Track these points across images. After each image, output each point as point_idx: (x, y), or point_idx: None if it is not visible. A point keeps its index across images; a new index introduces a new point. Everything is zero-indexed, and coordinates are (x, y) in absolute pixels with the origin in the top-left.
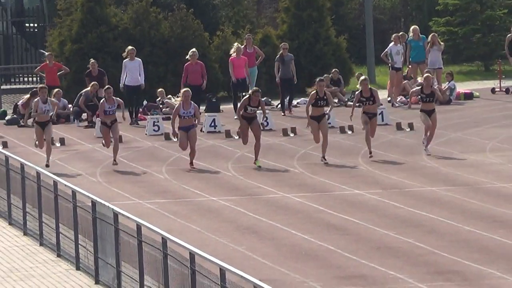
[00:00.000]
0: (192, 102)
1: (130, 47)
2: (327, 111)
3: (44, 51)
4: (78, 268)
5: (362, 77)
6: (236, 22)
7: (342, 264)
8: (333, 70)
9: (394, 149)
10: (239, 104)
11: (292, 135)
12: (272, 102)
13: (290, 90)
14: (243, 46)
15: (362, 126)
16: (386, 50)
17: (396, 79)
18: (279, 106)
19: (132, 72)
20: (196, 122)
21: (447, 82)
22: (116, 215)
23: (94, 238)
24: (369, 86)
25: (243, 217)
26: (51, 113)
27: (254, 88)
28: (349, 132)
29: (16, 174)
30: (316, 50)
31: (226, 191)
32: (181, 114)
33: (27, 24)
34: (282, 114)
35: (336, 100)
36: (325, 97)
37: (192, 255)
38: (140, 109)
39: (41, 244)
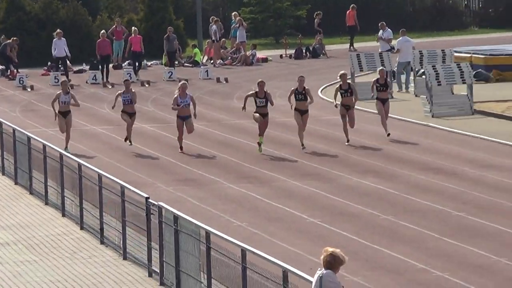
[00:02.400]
0: (188, 93)
1: (58, 30)
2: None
3: None
4: (31, 192)
5: (342, 72)
6: (110, 10)
7: (179, 171)
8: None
9: (215, 95)
10: (246, 95)
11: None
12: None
13: (173, 59)
14: (114, 26)
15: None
16: (210, 29)
17: (216, 48)
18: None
19: (60, 47)
20: (194, 113)
21: (251, 50)
22: (29, 138)
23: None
24: (348, 81)
25: (135, 148)
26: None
27: (259, 80)
28: (224, 82)
29: None
30: (162, 29)
31: (103, 122)
32: (179, 103)
33: None
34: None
35: (176, 62)
36: (303, 92)
37: (123, 187)
38: (45, 68)
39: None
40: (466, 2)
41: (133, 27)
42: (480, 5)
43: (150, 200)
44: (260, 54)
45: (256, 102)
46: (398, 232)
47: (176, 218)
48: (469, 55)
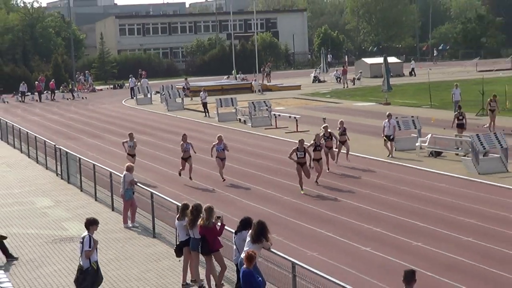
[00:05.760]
0: (223, 141)
1: (23, 82)
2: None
3: None
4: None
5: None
6: (37, 71)
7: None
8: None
9: (80, 105)
10: (291, 151)
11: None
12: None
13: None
14: (40, 77)
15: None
16: (80, 77)
17: (83, 85)
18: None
19: (23, 87)
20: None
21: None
22: (27, 132)
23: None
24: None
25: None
26: (135, 149)
27: (300, 138)
28: (86, 99)
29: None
30: (58, 79)
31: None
32: (217, 149)
33: None
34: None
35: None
36: (320, 145)
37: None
38: (12, 94)
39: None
40: None
41: (53, 79)
42: None
43: (56, 146)
44: (98, 87)
45: (297, 155)
46: (242, 173)
47: (66, 153)
48: None
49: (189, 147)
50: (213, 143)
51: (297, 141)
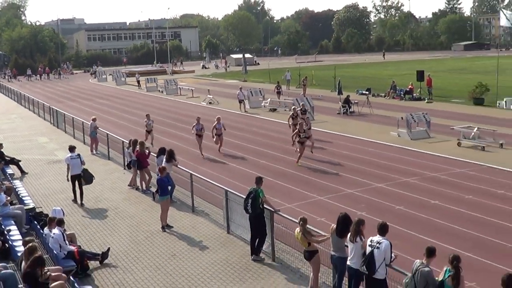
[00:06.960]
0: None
1: (29, 68)
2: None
3: None
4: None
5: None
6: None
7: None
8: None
9: (61, 83)
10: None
11: None
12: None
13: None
14: (40, 67)
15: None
16: (64, 65)
17: (66, 69)
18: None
19: (29, 71)
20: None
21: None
22: (34, 100)
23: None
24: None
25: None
26: (152, 126)
27: (300, 122)
28: (68, 78)
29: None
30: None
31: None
32: (217, 127)
33: None
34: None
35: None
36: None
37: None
38: (24, 75)
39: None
40: None
41: (47, 67)
42: None
43: (50, 106)
44: (75, 71)
45: (299, 136)
46: (169, 123)
47: (56, 110)
48: None
49: (200, 128)
50: (214, 124)
51: (298, 124)
